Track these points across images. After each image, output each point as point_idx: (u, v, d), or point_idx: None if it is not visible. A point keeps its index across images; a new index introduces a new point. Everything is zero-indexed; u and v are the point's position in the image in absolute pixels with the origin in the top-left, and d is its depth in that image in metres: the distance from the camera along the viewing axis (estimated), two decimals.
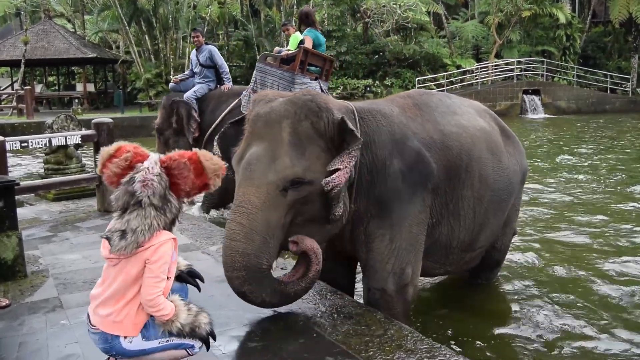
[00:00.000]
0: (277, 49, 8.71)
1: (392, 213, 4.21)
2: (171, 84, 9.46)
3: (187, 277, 3.28)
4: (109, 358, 3.02)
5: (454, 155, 4.51)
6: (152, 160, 2.88)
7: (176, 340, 2.91)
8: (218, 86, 8.92)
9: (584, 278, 6.19)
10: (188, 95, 8.59)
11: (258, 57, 9.39)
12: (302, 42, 7.96)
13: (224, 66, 8.94)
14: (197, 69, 8.93)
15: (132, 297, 2.85)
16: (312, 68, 7.97)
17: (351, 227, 4.29)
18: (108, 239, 2.83)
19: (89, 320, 2.94)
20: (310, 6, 28.51)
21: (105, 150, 2.98)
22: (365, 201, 4.18)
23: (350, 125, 3.88)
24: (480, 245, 5.12)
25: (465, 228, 4.76)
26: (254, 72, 7.81)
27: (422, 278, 6.05)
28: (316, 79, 7.88)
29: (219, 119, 8.21)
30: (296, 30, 8.57)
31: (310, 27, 8.13)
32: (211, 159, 2.94)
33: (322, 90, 7.73)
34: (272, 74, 7.62)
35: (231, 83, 8.92)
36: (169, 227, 2.92)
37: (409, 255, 4.32)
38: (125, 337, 2.87)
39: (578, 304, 5.51)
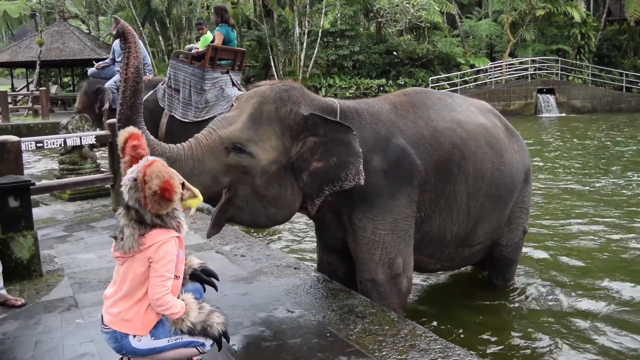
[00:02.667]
0: (188, 46, 9.29)
1: (373, 208, 4.35)
2: (92, 70, 9.98)
3: (202, 276, 3.28)
4: (122, 358, 3.03)
5: (445, 150, 4.57)
6: (137, 165, 2.87)
7: (186, 339, 2.92)
8: None
9: (599, 277, 6.14)
10: (109, 84, 9.11)
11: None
12: (212, 40, 8.50)
13: (147, 58, 9.36)
14: (120, 59, 9.17)
15: (141, 297, 2.87)
16: (224, 62, 8.38)
17: (334, 216, 4.52)
18: (114, 238, 2.87)
19: (102, 320, 2.96)
20: (325, 11, 28.60)
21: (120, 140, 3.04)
22: (341, 194, 4.25)
23: (319, 119, 4.13)
24: (480, 241, 5.12)
25: (459, 222, 4.79)
26: (168, 68, 8.43)
27: (435, 279, 6.07)
28: (227, 72, 8.31)
29: None
30: (207, 31, 9.09)
31: (224, 23, 8.74)
32: (154, 179, 2.75)
33: (232, 82, 8.26)
34: (184, 70, 8.10)
35: (152, 75, 9.40)
36: (173, 226, 2.90)
37: (397, 246, 4.43)
38: (134, 336, 2.89)
39: (595, 306, 5.46)
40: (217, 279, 3.38)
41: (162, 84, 8.34)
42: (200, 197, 3.07)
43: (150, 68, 9.22)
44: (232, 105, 7.65)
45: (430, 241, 4.79)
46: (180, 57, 8.29)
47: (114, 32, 3.91)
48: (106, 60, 9.85)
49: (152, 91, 8.42)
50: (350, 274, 4.79)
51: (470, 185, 4.71)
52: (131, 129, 3.08)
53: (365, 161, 4.21)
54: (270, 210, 4.21)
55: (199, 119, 7.73)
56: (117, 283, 2.93)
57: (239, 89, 8.27)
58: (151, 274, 2.82)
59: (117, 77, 9.10)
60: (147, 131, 3.89)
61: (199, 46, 8.61)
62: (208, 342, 2.97)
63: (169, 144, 4.02)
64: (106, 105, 9.10)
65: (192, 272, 3.21)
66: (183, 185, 2.93)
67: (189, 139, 4.11)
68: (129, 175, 2.84)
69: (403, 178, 4.39)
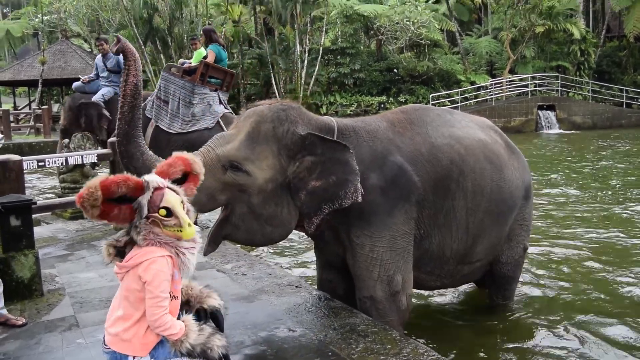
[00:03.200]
0: (181, 60, 9.63)
1: (371, 225, 4.37)
2: (78, 84, 10.18)
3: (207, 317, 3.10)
4: None
5: (443, 167, 4.58)
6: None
7: None
8: None
9: (598, 291, 6.13)
10: (96, 97, 9.31)
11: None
12: (205, 57, 8.68)
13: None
14: (104, 74, 9.60)
15: (139, 317, 2.81)
16: (213, 80, 8.58)
17: (333, 234, 4.54)
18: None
19: (104, 340, 2.95)
20: (325, 29, 28.79)
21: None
22: (338, 212, 4.26)
23: (317, 139, 4.18)
24: (479, 258, 5.08)
25: (458, 238, 4.77)
26: (159, 80, 8.65)
27: (436, 297, 6.05)
28: (216, 90, 8.51)
29: None
30: (201, 46, 9.27)
31: (214, 43, 8.97)
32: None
33: (220, 101, 8.44)
34: (175, 83, 8.31)
35: None
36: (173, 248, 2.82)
37: (395, 263, 4.43)
38: (134, 357, 2.86)
39: (599, 328, 5.44)
40: (222, 330, 3.12)
41: (151, 96, 8.59)
42: (189, 230, 2.81)
43: None
44: (218, 121, 8.10)
45: (429, 258, 4.78)
46: (172, 70, 8.54)
47: (115, 50, 3.94)
48: (91, 75, 10.09)
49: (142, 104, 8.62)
50: (350, 292, 4.78)
51: (469, 202, 4.71)
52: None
53: (363, 179, 4.25)
54: (267, 229, 4.23)
55: (184, 131, 7.96)
56: (117, 299, 2.91)
57: (226, 107, 8.50)
58: (146, 296, 2.78)
59: (104, 90, 9.43)
60: (146, 147, 3.93)
61: (192, 61, 8.85)
62: None
63: None
64: (104, 123, 9.32)
65: (199, 307, 3.10)
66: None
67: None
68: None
69: (400, 195, 4.41)
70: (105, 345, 2.91)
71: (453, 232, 4.74)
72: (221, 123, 8.40)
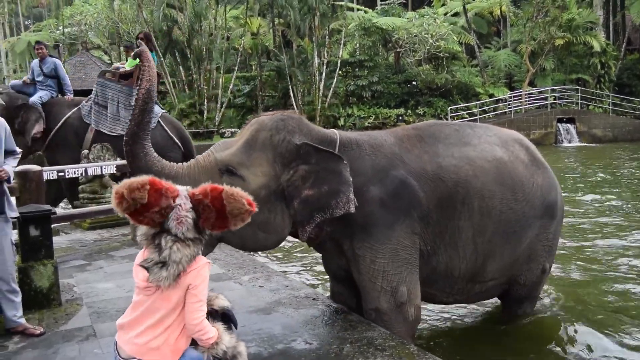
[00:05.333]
0: (114, 65, 10.06)
1: (371, 237, 4.38)
2: (17, 82, 10.32)
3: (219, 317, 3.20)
4: None
5: (448, 187, 4.53)
6: (183, 196, 2.86)
7: None
8: (59, 95, 9.73)
9: (614, 307, 6.04)
10: (34, 100, 9.32)
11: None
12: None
13: (67, 79, 9.83)
14: (40, 78, 9.63)
15: (170, 324, 2.83)
16: None
17: (335, 245, 4.58)
18: (147, 268, 2.81)
19: (117, 351, 2.93)
20: (344, 41, 28.87)
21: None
22: (338, 223, 4.35)
23: (311, 148, 4.24)
24: (492, 277, 4.96)
25: (465, 259, 4.70)
26: (95, 85, 9.15)
27: (454, 312, 5.99)
28: None
29: (60, 124, 9.19)
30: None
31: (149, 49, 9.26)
32: (236, 199, 2.83)
33: (155, 102, 8.50)
34: (112, 88, 8.86)
35: (72, 95, 9.80)
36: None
37: (398, 275, 4.41)
38: None
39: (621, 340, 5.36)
40: (237, 327, 3.24)
41: (86, 101, 8.98)
42: None
43: (70, 89, 9.77)
44: (158, 120, 8.65)
45: (438, 276, 4.74)
46: (107, 76, 9.00)
47: (132, 54, 4.16)
48: (29, 77, 9.99)
49: (76, 108, 9.16)
50: (360, 304, 4.78)
51: (475, 222, 4.62)
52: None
53: (363, 191, 4.32)
54: (259, 235, 4.27)
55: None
56: (142, 313, 2.87)
57: (161, 108, 9.02)
58: (190, 300, 2.80)
59: (41, 93, 9.44)
60: (151, 149, 4.06)
61: (127, 66, 9.25)
62: None
63: (169, 162, 4.20)
64: (37, 128, 9.11)
65: (210, 309, 3.13)
66: None
67: (191, 160, 4.34)
68: (179, 205, 2.82)
69: (401, 209, 4.41)
70: (128, 356, 2.87)
71: (460, 252, 4.67)
72: (162, 122, 8.95)
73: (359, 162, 4.42)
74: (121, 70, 9.19)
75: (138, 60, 9.03)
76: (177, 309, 2.82)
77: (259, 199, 4.14)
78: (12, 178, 4.57)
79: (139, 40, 9.60)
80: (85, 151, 8.67)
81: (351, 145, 4.52)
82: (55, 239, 6.02)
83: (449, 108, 28.93)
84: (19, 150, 4.69)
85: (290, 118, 4.42)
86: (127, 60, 9.67)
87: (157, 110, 8.63)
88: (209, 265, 2.90)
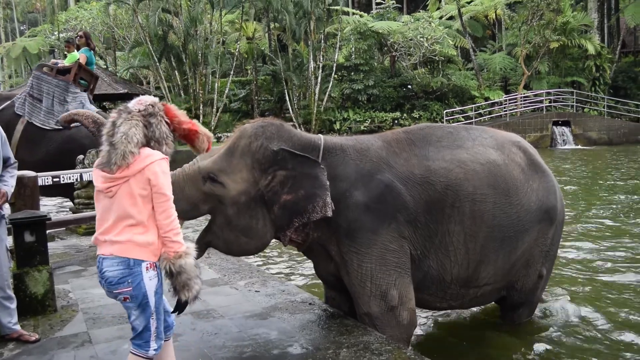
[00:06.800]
0: (53, 60, 10.22)
1: (356, 241, 4.40)
2: None
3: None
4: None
5: (436, 191, 4.50)
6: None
7: (152, 324, 2.97)
8: None
9: (612, 314, 6.03)
10: None
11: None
12: (78, 59, 9.28)
13: None
14: None
15: (148, 223, 2.92)
16: (83, 82, 9.34)
17: (323, 250, 4.62)
18: (103, 165, 2.90)
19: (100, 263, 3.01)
20: (339, 45, 28.90)
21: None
22: (325, 228, 4.43)
23: (287, 154, 4.31)
24: (487, 282, 4.90)
25: (457, 263, 4.66)
26: (30, 78, 9.30)
27: (452, 316, 5.98)
28: (85, 90, 9.18)
29: None
30: (74, 50, 9.80)
31: (87, 47, 9.71)
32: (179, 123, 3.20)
33: (90, 102, 9.15)
34: (48, 82, 9.01)
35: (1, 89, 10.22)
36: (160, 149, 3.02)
37: (386, 278, 4.41)
38: (147, 269, 2.89)
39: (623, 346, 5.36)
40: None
41: (21, 93, 9.14)
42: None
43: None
44: None
45: (431, 281, 4.70)
46: (45, 70, 9.16)
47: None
48: None
49: (8, 102, 9.27)
50: (353, 308, 4.79)
51: (466, 227, 4.58)
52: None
53: (346, 196, 4.37)
54: (242, 240, 4.37)
55: (59, 127, 8.37)
56: (114, 213, 2.93)
57: (96, 108, 9.08)
58: (157, 200, 2.88)
59: None
60: None
61: (66, 61, 9.44)
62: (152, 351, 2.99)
63: None
64: None
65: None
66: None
67: (178, 168, 4.37)
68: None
69: (386, 213, 4.41)
70: (109, 255, 2.93)
71: (452, 256, 4.63)
72: None
73: (343, 167, 4.45)
74: (59, 65, 9.38)
75: (77, 56, 9.30)
76: (142, 204, 2.88)
77: (240, 204, 4.30)
78: (9, 196, 4.56)
79: (78, 37, 10.00)
80: (81, 156, 8.64)
81: (335, 151, 4.54)
82: (50, 244, 6.00)
83: (445, 111, 28.98)
84: (14, 160, 4.62)
85: (271, 124, 4.48)
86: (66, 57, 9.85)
87: (93, 108, 8.76)
88: (167, 160, 2.99)
